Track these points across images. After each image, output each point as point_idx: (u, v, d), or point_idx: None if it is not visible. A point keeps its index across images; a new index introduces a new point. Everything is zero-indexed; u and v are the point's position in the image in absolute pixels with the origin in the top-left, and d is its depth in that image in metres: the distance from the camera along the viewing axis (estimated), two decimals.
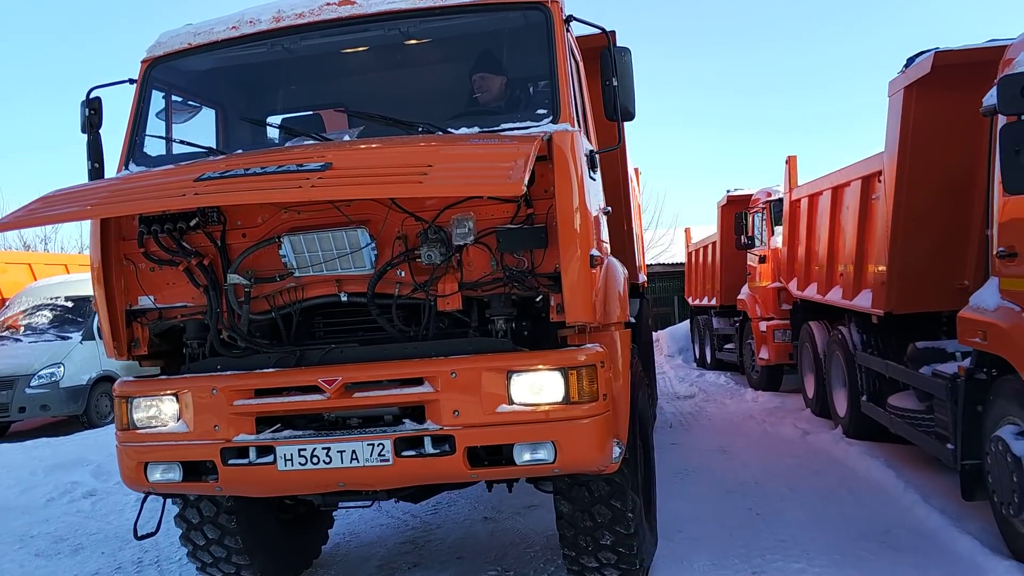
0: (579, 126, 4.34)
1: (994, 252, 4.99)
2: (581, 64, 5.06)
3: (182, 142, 4.56)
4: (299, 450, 4.04)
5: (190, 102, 5.08)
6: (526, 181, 3.27)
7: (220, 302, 4.24)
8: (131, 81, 4.68)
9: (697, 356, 17.34)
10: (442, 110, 4.42)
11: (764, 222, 12.08)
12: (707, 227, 17.77)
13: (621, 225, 7.49)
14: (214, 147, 4.49)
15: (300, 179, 3.42)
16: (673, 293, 24.63)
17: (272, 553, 5.25)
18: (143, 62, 4.67)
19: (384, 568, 5.59)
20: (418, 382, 4.01)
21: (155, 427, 4.26)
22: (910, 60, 6.15)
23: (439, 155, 3.68)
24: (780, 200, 11.22)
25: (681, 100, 56.95)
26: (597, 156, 4.34)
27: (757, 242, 12.31)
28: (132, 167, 4.51)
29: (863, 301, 7.54)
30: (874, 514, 5.97)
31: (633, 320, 6.99)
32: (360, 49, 4.54)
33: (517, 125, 4.10)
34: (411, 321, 4.24)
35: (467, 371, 3.96)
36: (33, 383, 12.34)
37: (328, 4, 4.42)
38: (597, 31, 4.46)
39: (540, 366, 3.97)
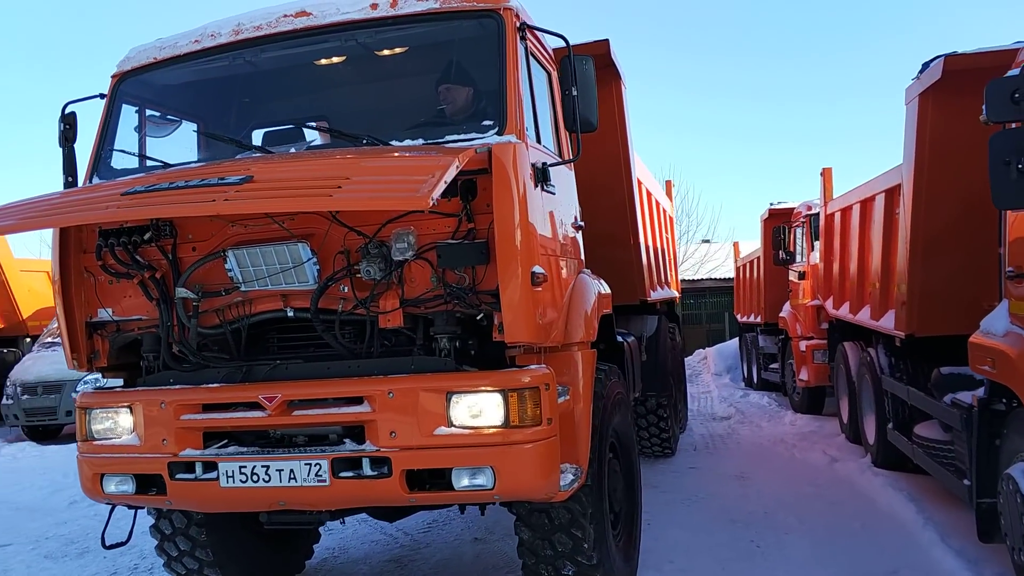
0: (532, 138, 4.19)
1: (1004, 272, 4.61)
2: (555, 74, 4.88)
3: (142, 156, 4.57)
4: (240, 467, 3.97)
5: (169, 116, 5.11)
6: (435, 196, 3.12)
7: (171, 316, 4.22)
8: (102, 96, 4.73)
9: (745, 375, 16.80)
10: (393, 121, 4.31)
11: (804, 237, 11.61)
12: (757, 241, 17.24)
13: (627, 239, 7.29)
14: (170, 161, 4.48)
15: (216, 192, 3.36)
16: (725, 309, 24.01)
17: (246, 566, 5.20)
18: (112, 76, 4.72)
19: None
20: (358, 401, 3.90)
21: (111, 439, 4.27)
22: (925, 65, 5.76)
23: (357, 168, 3.57)
24: (819, 214, 10.76)
25: (739, 111, 55.75)
26: (550, 169, 4.15)
27: (798, 257, 11.83)
28: (95, 180, 4.54)
29: (887, 322, 7.11)
30: (884, 552, 5.56)
31: (632, 338, 6.79)
32: (317, 61, 4.47)
33: (462, 137, 3.97)
34: (360, 338, 4.13)
35: (404, 391, 3.83)
36: (78, 388, 12.75)
37: (285, 16, 4.37)
38: (558, 39, 4.28)
39: (480, 387, 3.81)
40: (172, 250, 4.21)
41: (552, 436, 3.87)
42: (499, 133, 3.93)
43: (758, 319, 14.83)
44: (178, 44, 4.58)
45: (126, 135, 4.77)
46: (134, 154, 4.53)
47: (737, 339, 18.29)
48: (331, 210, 3.79)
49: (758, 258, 14.70)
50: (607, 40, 6.28)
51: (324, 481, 3.86)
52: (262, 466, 3.94)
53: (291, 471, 3.90)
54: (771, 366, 14.21)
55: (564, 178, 4.75)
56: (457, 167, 3.40)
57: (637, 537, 5.34)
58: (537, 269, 3.83)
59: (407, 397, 3.82)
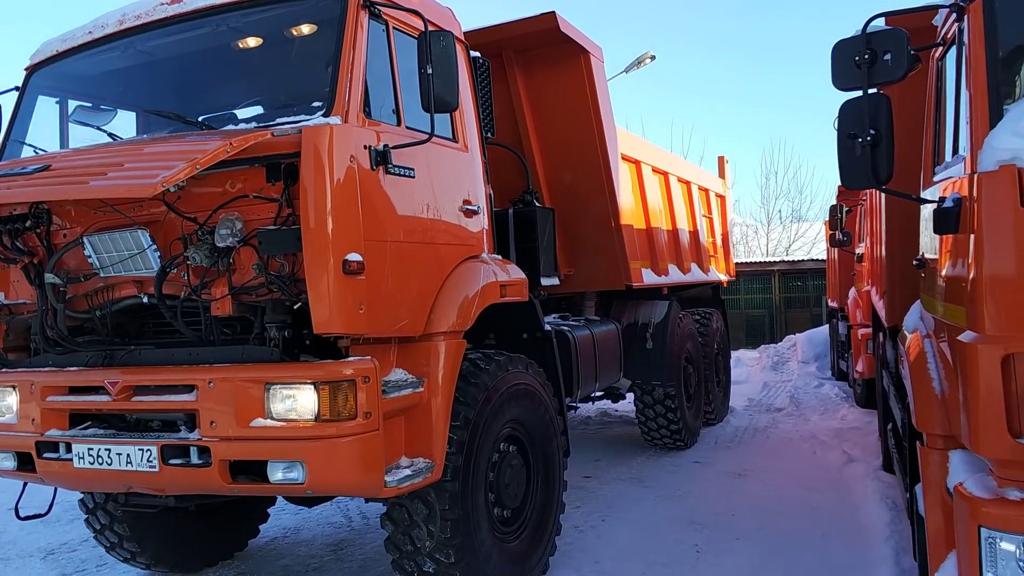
0: (392, 120, 4.06)
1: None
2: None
3: (27, 144, 4.73)
4: (88, 449, 4.08)
5: (108, 106, 5.27)
6: (171, 183, 3.06)
7: (45, 300, 4.37)
8: (17, 88, 4.95)
9: (832, 364, 15.71)
10: (245, 103, 4.26)
11: (865, 218, 10.63)
12: None
13: (607, 222, 6.94)
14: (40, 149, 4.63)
15: (6, 182, 3.43)
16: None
17: (170, 542, 5.37)
18: (25, 70, 4.92)
19: (286, 569, 5.55)
20: (189, 389, 3.90)
21: None
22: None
23: (137, 155, 3.56)
24: None
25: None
26: (391, 152, 3.95)
27: (859, 238, 10.87)
28: None
29: (882, 312, 6.40)
30: (826, 567, 5.05)
31: (583, 330, 6.45)
32: (188, 46, 4.46)
33: (291, 119, 3.85)
34: (224, 325, 4.12)
35: (223, 381, 3.80)
36: None
37: (160, 4, 4.41)
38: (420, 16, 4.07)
39: (293, 379, 3.71)
40: (46, 236, 4.35)
41: (370, 431, 3.72)
42: (325, 114, 3.79)
43: (836, 304, 13.84)
44: (75, 36, 4.72)
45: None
46: (23, 143, 4.70)
47: (828, 326, 17.13)
48: (74, 197, 3.82)
49: None
50: (553, 13, 5.94)
51: (154, 467, 3.90)
52: (105, 449, 4.02)
53: (128, 455, 3.96)
54: (847, 354, 13.22)
55: (443, 159, 4.53)
56: (228, 152, 3.31)
57: (547, 536, 5.09)
58: (352, 256, 3.68)
59: (225, 387, 3.78)
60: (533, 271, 6.16)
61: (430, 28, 4.02)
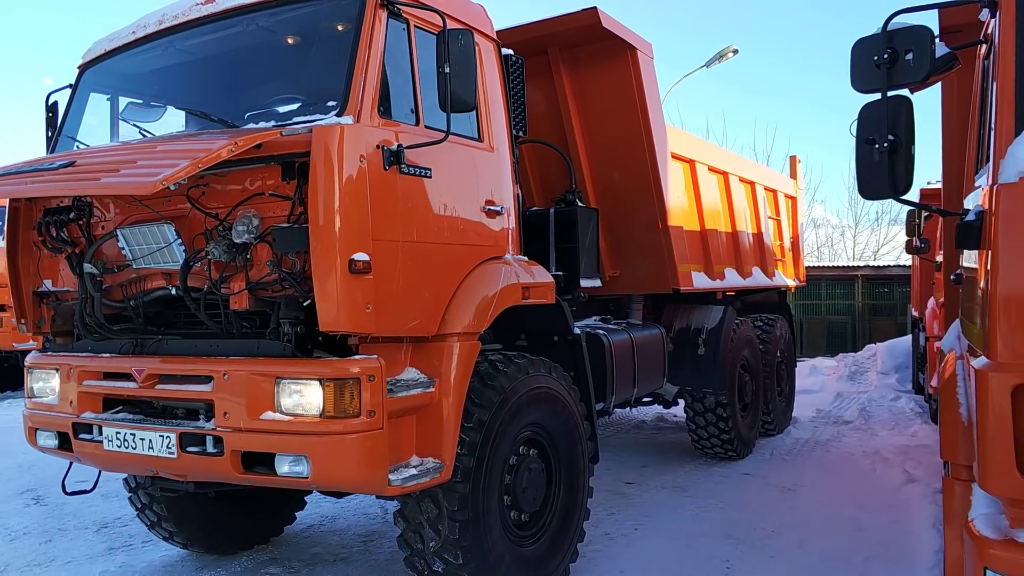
0: (410, 119, 4.10)
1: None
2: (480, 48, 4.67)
3: (76, 140, 4.93)
4: (116, 432, 4.24)
5: (152, 103, 5.48)
6: (171, 182, 3.13)
7: (84, 288, 4.57)
8: (71, 86, 5.18)
9: (912, 377, 14.97)
10: (267, 102, 4.34)
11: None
12: None
13: (654, 223, 6.80)
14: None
15: (35, 177, 3.59)
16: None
17: (205, 526, 5.54)
18: (77, 68, 5.15)
19: (316, 557, 5.66)
20: (207, 380, 4.01)
21: (42, 397, 4.72)
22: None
23: (151, 153, 3.64)
24: None
25: None
26: (405, 151, 3.95)
27: (940, 247, 10.29)
28: None
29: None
30: None
31: (617, 334, 6.33)
32: (220, 44, 4.56)
33: (307, 118, 3.90)
34: (244, 319, 4.22)
35: (236, 373, 3.88)
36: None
37: (195, 4, 4.54)
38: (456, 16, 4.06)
39: (301, 375, 3.76)
40: (87, 228, 4.54)
41: (374, 429, 3.74)
42: (339, 114, 3.82)
43: (918, 314, 13.18)
44: (121, 35, 4.90)
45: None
46: (75, 139, 4.90)
47: (910, 336, 16.33)
48: (90, 194, 4.05)
49: None
50: (595, 9, 5.82)
51: (173, 453, 4.02)
52: (131, 434, 4.18)
53: (150, 441, 4.10)
54: (925, 367, 12.58)
55: (465, 159, 4.51)
56: (232, 152, 3.38)
57: (568, 542, 5.01)
58: (359, 256, 3.69)
59: (238, 379, 3.87)
60: (573, 272, 6.11)
61: (449, 26, 4.00)
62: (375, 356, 3.82)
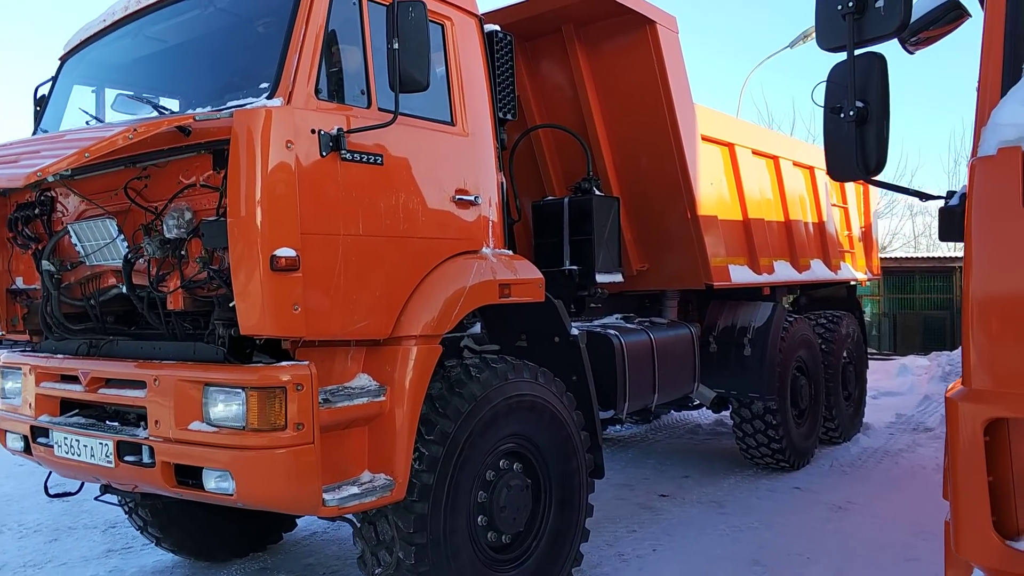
0: (362, 101, 3.75)
1: None
2: (447, 26, 4.24)
3: (46, 132, 4.77)
4: (64, 438, 4.06)
5: (136, 93, 5.29)
6: (47, 174, 2.89)
7: (44, 287, 4.40)
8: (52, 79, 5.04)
9: None
10: (214, 85, 4.04)
11: None
12: None
13: (682, 213, 6.22)
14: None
15: None
16: None
17: (193, 532, 5.34)
18: (59, 59, 5.01)
19: (307, 569, 5.40)
20: (142, 385, 3.75)
21: (11, 398, 4.60)
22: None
23: (55, 144, 3.39)
24: None
25: None
26: (346, 137, 3.57)
27: None
28: None
29: None
30: None
31: (626, 337, 5.79)
32: (174, 30, 4.31)
33: (240, 101, 3.56)
34: (197, 320, 3.95)
35: (166, 379, 3.61)
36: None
37: None
38: None
39: (226, 383, 3.45)
40: (47, 223, 4.37)
41: (302, 444, 3.40)
42: (269, 96, 3.48)
43: None
44: (94, 24, 4.72)
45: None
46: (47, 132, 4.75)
47: None
48: None
49: None
50: None
51: (111, 463, 3.79)
52: (76, 440, 3.98)
53: (91, 448, 3.89)
54: None
55: (429, 144, 4.10)
56: (129, 139, 3.10)
57: (559, 568, 4.55)
58: (283, 252, 3.34)
59: (168, 385, 3.59)
60: (589, 266, 5.64)
61: None
62: (305, 363, 3.46)
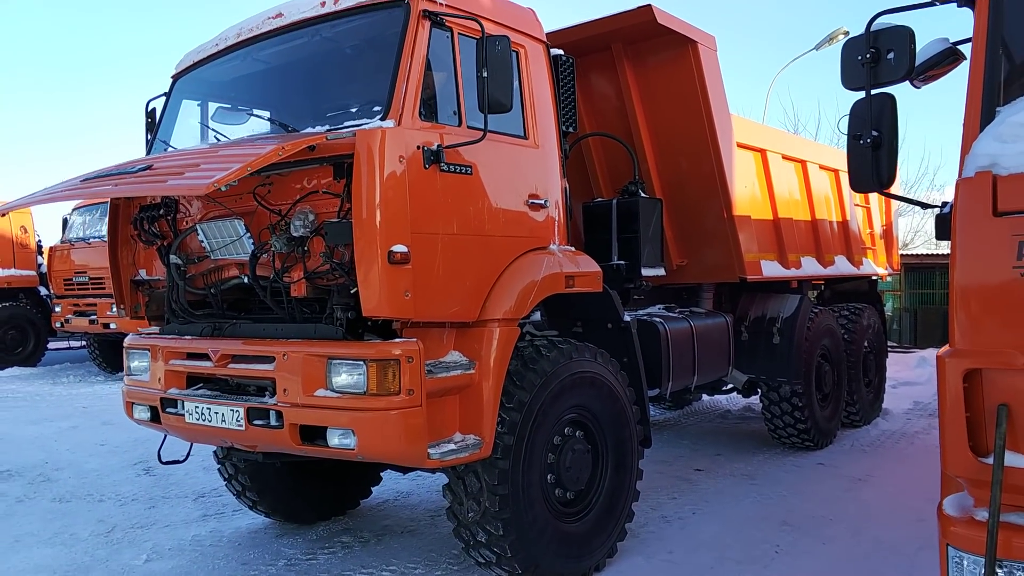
0: (453, 121, 4.43)
1: None
2: (522, 53, 4.94)
3: (164, 142, 5.48)
4: (195, 407, 4.76)
5: (238, 108, 6.00)
6: (223, 184, 3.53)
7: (171, 278, 5.11)
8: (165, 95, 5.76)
9: None
10: (327, 108, 4.72)
11: None
12: None
13: (719, 212, 6.87)
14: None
15: (116, 180, 4.10)
16: None
17: (284, 497, 6.06)
18: (171, 77, 5.72)
19: (385, 529, 6.08)
20: (270, 360, 4.45)
21: (137, 375, 5.32)
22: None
23: (212, 157, 4.06)
24: None
25: None
26: (444, 151, 4.25)
27: None
28: None
29: None
30: None
31: (674, 322, 6.41)
32: (286, 55, 4.99)
33: (356, 122, 4.26)
34: (305, 304, 4.64)
35: (294, 354, 4.30)
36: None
37: (267, 19, 4.98)
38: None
39: (348, 356, 4.14)
40: (173, 223, 5.09)
41: (412, 406, 4.08)
42: (383, 118, 4.16)
43: None
44: (206, 48, 5.42)
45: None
46: (167, 143, 5.46)
47: None
48: (156, 195, 4.65)
49: None
50: (649, 6, 5.93)
51: (241, 426, 4.49)
52: (207, 408, 4.68)
53: (223, 414, 4.59)
54: None
55: (507, 156, 4.77)
56: (280, 156, 3.77)
57: (614, 522, 5.21)
58: (398, 248, 4.03)
59: (296, 360, 4.28)
60: (635, 261, 6.28)
61: (490, 32, 4.27)
62: (414, 340, 4.15)
